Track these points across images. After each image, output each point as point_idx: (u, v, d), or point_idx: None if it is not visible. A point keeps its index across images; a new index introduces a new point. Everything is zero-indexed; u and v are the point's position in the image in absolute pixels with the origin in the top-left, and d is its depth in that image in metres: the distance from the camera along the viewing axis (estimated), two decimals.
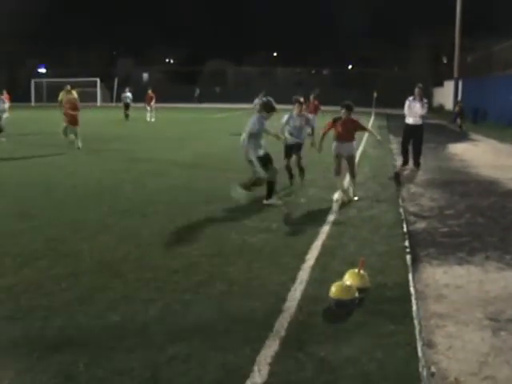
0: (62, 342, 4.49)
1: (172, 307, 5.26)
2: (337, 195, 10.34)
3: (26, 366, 4.13)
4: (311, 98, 24.71)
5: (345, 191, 10.39)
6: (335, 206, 9.76)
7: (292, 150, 11.94)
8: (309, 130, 12.50)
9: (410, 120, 14.83)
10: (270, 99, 10.15)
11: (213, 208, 9.42)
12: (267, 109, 10.00)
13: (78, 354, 4.29)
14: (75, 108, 18.99)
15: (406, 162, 14.91)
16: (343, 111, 10.44)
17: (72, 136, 18.79)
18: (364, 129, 10.97)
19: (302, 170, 12.09)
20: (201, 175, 13.16)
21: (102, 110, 48.57)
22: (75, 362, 4.17)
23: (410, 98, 14.73)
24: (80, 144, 18.46)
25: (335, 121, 10.49)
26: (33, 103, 59.24)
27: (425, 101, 14.76)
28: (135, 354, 4.30)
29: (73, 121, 18.77)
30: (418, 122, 14.74)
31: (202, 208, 9.49)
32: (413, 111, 14.60)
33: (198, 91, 67.78)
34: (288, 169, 11.84)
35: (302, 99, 11.96)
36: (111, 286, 5.83)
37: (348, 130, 10.42)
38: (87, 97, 56.69)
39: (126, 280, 6.00)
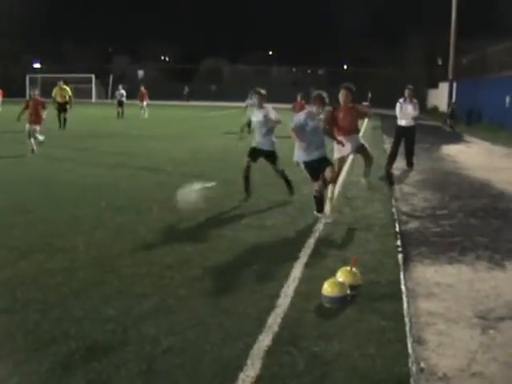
0: (58, 335, 4.56)
1: (166, 302, 5.33)
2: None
3: (24, 357, 4.20)
4: (298, 97, 24.97)
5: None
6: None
7: (258, 154, 10.20)
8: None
9: (402, 122, 14.88)
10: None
11: (207, 205, 9.49)
12: (317, 102, 8.67)
13: (74, 347, 4.36)
14: (43, 106, 16.70)
15: (390, 164, 14.74)
16: (342, 92, 9.24)
17: (33, 141, 16.08)
18: (364, 114, 9.84)
19: (287, 181, 10.41)
20: (195, 173, 13.22)
21: (97, 107, 48.54)
22: (72, 354, 4.25)
23: (401, 100, 14.80)
24: (36, 147, 16.08)
25: (335, 109, 9.30)
26: (27, 98, 59.09)
27: (416, 102, 14.84)
28: (131, 347, 4.38)
29: (36, 120, 16.27)
30: (411, 123, 14.82)
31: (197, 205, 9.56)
32: (405, 113, 14.66)
33: (186, 89, 67.97)
34: (245, 174, 10.24)
35: (263, 91, 10.32)
36: (106, 280, 5.89)
37: (351, 119, 9.30)
38: (82, 93, 56.84)
39: (121, 275, 6.07)
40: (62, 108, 24.76)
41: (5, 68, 67.95)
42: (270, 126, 10.01)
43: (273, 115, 10.04)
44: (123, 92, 35.12)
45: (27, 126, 16.18)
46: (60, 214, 8.87)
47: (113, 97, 44.49)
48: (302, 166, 8.75)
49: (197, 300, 5.39)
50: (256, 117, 10.17)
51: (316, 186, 8.63)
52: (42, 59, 73.87)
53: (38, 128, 16.28)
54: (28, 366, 4.08)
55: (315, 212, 8.84)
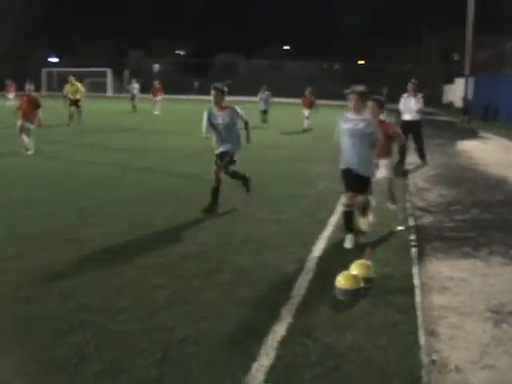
0: (75, 324, 4.63)
1: (181, 293, 5.39)
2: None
3: (42, 344, 4.29)
4: (306, 92, 24.77)
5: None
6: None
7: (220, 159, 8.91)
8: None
9: (406, 116, 14.75)
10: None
11: (222, 198, 9.51)
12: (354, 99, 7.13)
13: (90, 336, 4.44)
14: (37, 104, 15.54)
15: (402, 160, 14.50)
16: (371, 104, 7.68)
17: (25, 138, 15.14)
18: (395, 138, 8.23)
19: (236, 177, 9.27)
20: (210, 167, 13.24)
21: (112, 101, 48.72)
22: (88, 343, 4.32)
23: (405, 95, 14.71)
24: (32, 148, 15.10)
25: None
26: (43, 92, 59.46)
27: (419, 95, 14.71)
28: (146, 337, 4.44)
29: (29, 116, 15.22)
30: (415, 117, 14.69)
31: None
32: (408, 107, 14.56)
33: (196, 84, 68.16)
34: (214, 186, 8.93)
35: (222, 86, 8.91)
36: (122, 271, 5.98)
37: (384, 139, 7.58)
38: (98, 87, 57.19)
39: (136, 266, 6.15)
40: (74, 104, 24.80)
41: (20, 62, 68.31)
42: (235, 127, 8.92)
43: (242, 116, 8.92)
44: (136, 86, 35.21)
45: (18, 122, 15.20)
46: (74, 206, 8.96)
47: (127, 91, 44.62)
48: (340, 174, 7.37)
49: (211, 291, 5.45)
50: (222, 119, 8.76)
51: (346, 198, 7.16)
52: (57, 53, 74.29)
53: (31, 126, 15.30)
54: (46, 353, 4.16)
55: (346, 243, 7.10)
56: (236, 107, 8.95)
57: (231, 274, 5.98)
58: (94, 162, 13.88)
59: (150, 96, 34.58)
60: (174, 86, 58.65)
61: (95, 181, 11.25)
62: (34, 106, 15.44)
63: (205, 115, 8.85)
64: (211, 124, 8.83)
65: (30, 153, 14.96)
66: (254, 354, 4.17)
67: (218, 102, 8.76)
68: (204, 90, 65.20)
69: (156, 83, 34.85)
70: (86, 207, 8.92)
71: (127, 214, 8.57)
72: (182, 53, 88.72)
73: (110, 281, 5.68)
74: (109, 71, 64.76)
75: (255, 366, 4.03)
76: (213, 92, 8.75)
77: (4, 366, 4.01)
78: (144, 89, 36.86)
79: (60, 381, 3.86)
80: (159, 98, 34.01)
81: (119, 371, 3.95)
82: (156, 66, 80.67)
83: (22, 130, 15.20)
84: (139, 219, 8.22)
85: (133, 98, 34.64)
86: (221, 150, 8.88)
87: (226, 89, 8.90)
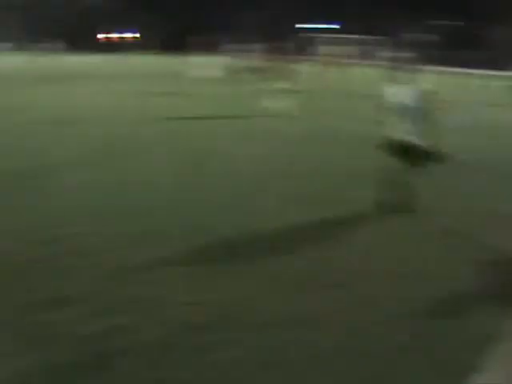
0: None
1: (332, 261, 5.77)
2: None
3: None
4: None
5: None
6: None
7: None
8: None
9: None
10: None
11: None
12: None
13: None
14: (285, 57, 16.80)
15: None
16: None
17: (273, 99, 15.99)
18: None
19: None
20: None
21: (376, 68, 48.65)
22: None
23: None
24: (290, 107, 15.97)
25: None
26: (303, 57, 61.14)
27: None
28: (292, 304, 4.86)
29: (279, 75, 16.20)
30: None
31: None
32: None
33: (411, 55, 64.82)
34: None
35: (403, 57, 7.25)
36: (267, 238, 6.47)
37: None
38: (364, 55, 58.30)
39: (283, 234, 6.60)
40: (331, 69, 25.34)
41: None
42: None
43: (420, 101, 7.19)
44: (399, 55, 34.86)
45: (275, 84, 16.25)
46: (342, 167, 9.73)
47: (388, 60, 44.23)
48: None
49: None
50: (407, 96, 7.35)
51: None
52: (337, 21, 75.71)
53: (281, 86, 16.09)
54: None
55: None
56: (419, 88, 7.49)
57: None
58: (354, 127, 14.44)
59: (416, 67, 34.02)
60: (442, 57, 56.40)
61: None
62: (285, 66, 16.67)
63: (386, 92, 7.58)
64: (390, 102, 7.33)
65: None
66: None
67: (395, 78, 7.43)
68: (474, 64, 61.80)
69: (416, 55, 34.22)
70: (355, 168, 9.56)
71: (274, 186, 8.78)
72: (448, 23, 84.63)
73: (260, 246, 6.24)
74: (372, 39, 64.63)
75: None
76: (392, 64, 7.38)
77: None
78: (416, 60, 36.33)
79: None
80: (421, 68, 33.31)
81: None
82: (423, 36, 78.14)
83: (278, 91, 16.10)
84: (286, 193, 8.39)
85: (394, 67, 34.41)
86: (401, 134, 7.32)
87: (407, 62, 7.45)
